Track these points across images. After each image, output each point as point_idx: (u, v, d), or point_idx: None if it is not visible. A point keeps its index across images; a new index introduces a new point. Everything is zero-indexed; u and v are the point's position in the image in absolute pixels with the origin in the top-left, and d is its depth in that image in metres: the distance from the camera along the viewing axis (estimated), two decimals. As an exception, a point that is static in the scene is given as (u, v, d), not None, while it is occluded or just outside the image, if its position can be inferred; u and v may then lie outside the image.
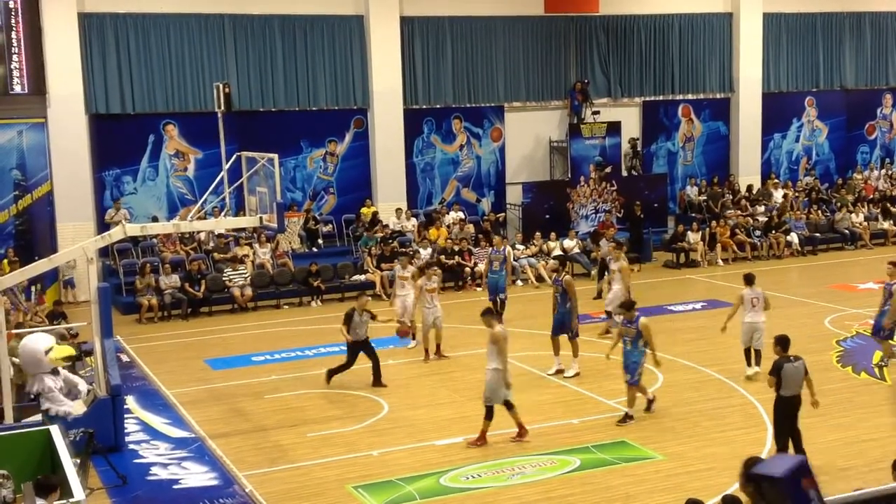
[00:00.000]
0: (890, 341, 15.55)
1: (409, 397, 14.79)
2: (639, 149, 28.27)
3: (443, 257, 23.62)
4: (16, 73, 22.32)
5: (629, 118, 28.42)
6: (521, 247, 24.40)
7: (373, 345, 15.47)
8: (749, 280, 15.48)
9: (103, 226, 22.52)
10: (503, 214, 26.82)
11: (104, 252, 21.93)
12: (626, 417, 13.12)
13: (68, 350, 13.00)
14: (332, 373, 15.37)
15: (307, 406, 14.65)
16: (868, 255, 26.45)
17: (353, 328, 15.20)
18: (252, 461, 12.30)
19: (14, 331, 14.72)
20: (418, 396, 14.85)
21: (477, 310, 19.51)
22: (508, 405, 12.46)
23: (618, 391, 14.61)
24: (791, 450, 11.28)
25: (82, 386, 12.89)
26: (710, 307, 20.44)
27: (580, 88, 27.27)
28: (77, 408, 12.23)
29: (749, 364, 15.18)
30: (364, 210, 25.36)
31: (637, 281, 23.65)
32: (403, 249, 22.69)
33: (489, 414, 12.36)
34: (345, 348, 15.68)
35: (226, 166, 15.11)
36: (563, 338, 15.77)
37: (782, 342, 11.41)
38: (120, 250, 22.84)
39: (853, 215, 28.07)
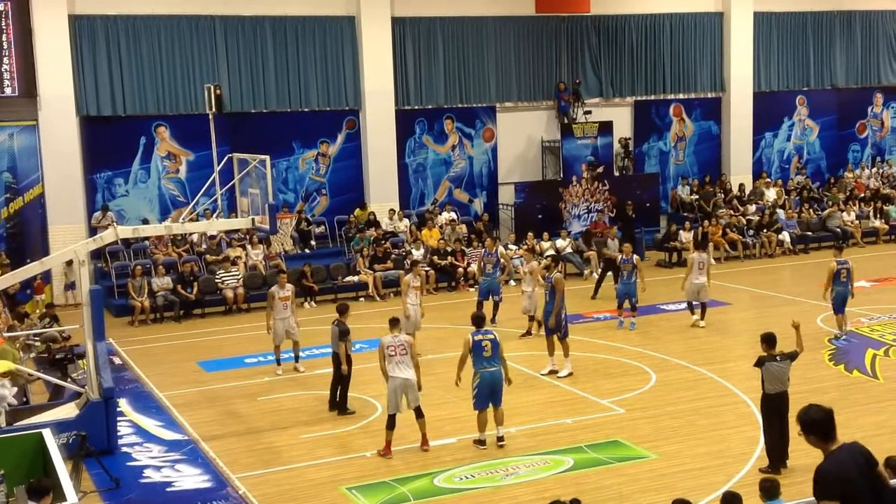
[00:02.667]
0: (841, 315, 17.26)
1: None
2: (630, 148, 28.31)
3: (435, 258, 23.62)
4: (6, 75, 22.26)
5: (621, 118, 28.44)
6: (514, 247, 24.40)
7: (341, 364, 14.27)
8: (698, 246, 19.77)
9: (93, 229, 22.46)
10: (489, 228, 26.51)
11: (96, 254, 21.87)
12: (477, 442, 12.46)
13: (7, 365, 12.71)
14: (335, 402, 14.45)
15: (300, 408, 14.63)
16: (859, 254, 26.48)
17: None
18: (245, 463, 12.29)
19: (6, 334, 14.68)
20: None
21: (470, 310, 19.62)
22: (417, 413, 12.37)
23: (611, 390, 14.66)
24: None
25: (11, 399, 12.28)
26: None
27: (564, 89, 27.31)
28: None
29: (692, 312, 18.77)
30: (358, 212, 25.33)
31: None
32: (282, 268, 21.36)
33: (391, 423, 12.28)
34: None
35: (217, 168, 15.09)
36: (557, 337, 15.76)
37: (768, 340, 11.46)
38: (112, 253, 22.78)
39: (844, 214, 28.14)
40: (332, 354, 14.46)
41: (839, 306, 17.22)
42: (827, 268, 17.51)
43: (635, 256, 18.98)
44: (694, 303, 18.87)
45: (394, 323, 12.73)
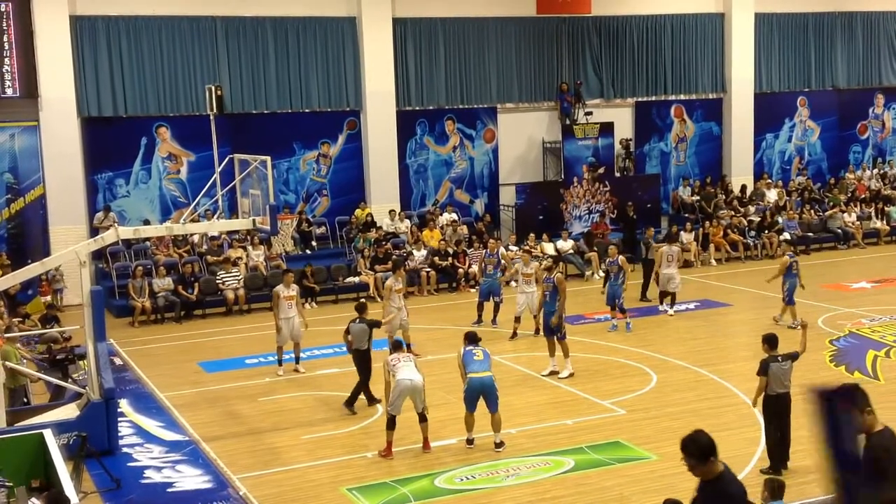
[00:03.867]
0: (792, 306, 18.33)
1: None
2: (631, 149, 28.30)
3: (436, 259, 23.62)
4: (7, 76, 22.28)
5: (622, 119, 28.43)
6: (515, 248, 24.39)
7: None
8: (669, 239, 21.02)
9: (95, 230, 22.46)
10: (490, 229, 26.36)
11: (97, 255, 21.85)
12: (466, 441, 12.61)
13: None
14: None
15: (301, 408, 14.64)
16: (860, 255, 26.53)
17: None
18: (246, 464, 12.29)
19: (6, 335, 14.68)
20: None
21: (471, 311, 19.69)
22: (421, 417, 12.41)
23: (612, 391, 14.66)
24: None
25: None
26: (704, 307, 20.48)
27: (566, 90, 27.31)
28: None
29: (661, 302, 20.11)
30: (358, 212, 25.35)
31: (630, 281, 23.73)
32: (288, 269, 20.60)
33: (391, 423, 12.30)
34: (335, 350, 15.56)
35: (218, 169, 15.08)
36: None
37: (770, 340, 11.45)
38: (112, 253, 22.79)
39: (846, 215, 28.13)
40: (354, 352, 14.35)
41: (791, 297, 18.26)
42: (780, 262, 19.25)
43: (620, 257, 18.86)
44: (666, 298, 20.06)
45: (397, 346, 13.02)
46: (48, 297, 21.40)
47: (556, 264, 17.51)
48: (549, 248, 24.53)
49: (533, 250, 22.64)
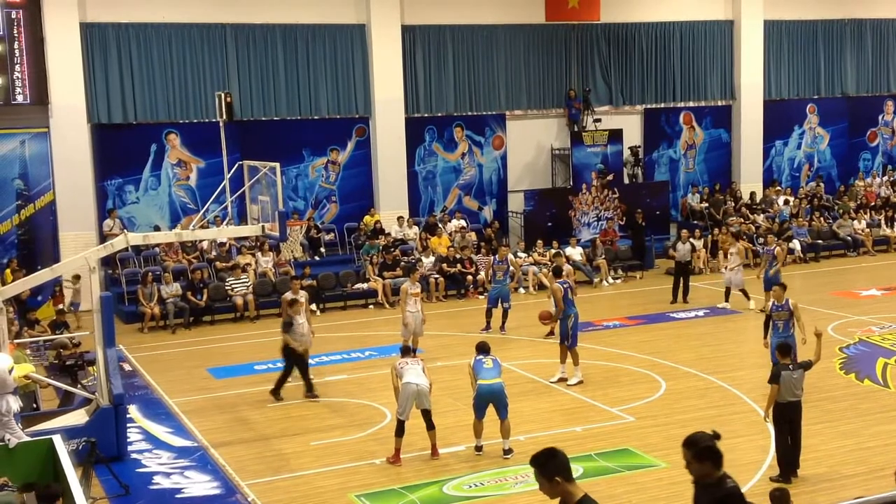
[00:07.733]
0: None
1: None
2: (640, 156, 28.28)
3: (445, 265, 23.61)
4: (18, 82, 22.37)
5: (631, 126, 28.43)
6: (523, 255, 24.39)
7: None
8: (737, 237, 22.47)
9: (104, 236, 22.51)
10: (498, 236, 26.20)
11: (106, 261, 21.90)
12: (475, 448, 12.63)
13: (28, 367, 12.72)
14: None
15: (309, 415, 14.64)
16: (870, 262, 26.44)
17: None
18: (255, 470, 12.29)
19: (16, 340, 14.72)
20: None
21: (480, 318, 19.67)
22: (429, 425, 12.39)
23: (621, 399, 14.63)
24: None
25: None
26: (713, 314, 20.43)
27: (574, 96, 27.32)
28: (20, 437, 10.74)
29: (726, 300, 21.02)
30: (367, 219, 25.38)
31: (639, 289, 23.79)
32: (294, 276, 20.32)
33: (399, 429, 12.30)
34: (344, 356, 15.56)
35: (228, 175, 15.13)
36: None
37: (782, 349, 11.43)
38: (122, 259, 22.84)
39: (855, 222, 28.05)
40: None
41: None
42: (765, 257, 20.72)
43: (791, 301, 14.37)
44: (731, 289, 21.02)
45: (406, 351, 13.15)
46: (62, 305, 21.32)
47: (554, 274, 17.09)
48: (572, 252, 24.12)
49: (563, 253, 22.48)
